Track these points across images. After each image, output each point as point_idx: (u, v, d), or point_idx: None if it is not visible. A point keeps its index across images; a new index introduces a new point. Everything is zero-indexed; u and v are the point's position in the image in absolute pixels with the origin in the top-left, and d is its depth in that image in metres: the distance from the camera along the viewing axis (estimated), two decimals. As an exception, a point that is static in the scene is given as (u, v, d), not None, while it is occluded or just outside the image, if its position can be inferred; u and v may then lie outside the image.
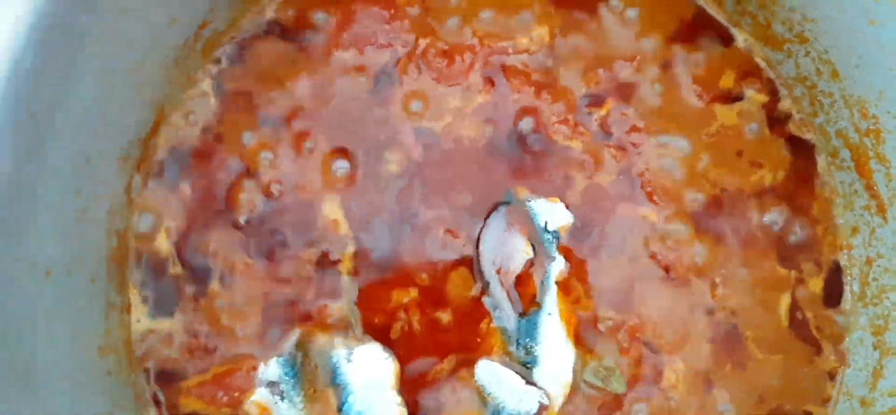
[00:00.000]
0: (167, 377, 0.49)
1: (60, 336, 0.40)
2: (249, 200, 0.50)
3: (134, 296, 0.49)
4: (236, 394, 0.49)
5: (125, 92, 0.43)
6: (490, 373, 0.50)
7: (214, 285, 0.50)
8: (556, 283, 0.51)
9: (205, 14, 0.47)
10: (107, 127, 0.42)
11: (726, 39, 0.54)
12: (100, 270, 0.45)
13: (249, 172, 0.51)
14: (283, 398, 0.49)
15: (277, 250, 0.50)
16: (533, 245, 0.51)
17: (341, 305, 0.50)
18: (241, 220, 0.50)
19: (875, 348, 0.52)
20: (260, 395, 0.49)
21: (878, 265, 0.52)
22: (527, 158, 0.52)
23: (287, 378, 0.49)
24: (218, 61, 0.50)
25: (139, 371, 0.48)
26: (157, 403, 0.49)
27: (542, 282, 0.51)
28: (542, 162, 0.52)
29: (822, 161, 0.54)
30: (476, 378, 0.50)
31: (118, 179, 0.46)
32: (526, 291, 0.51)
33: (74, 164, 0.39)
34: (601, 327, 0.52)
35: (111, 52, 0.39)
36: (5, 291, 0.35)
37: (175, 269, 0.50)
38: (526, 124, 0.52)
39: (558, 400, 0.50)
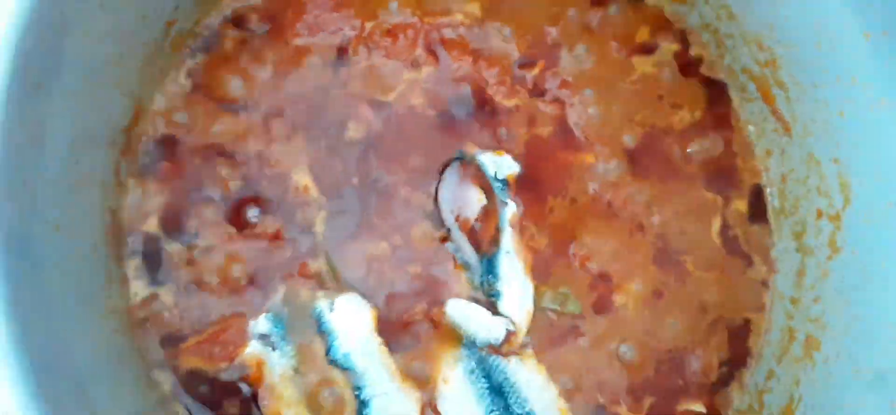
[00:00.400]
0: (167, 341, 0.54)
1: (71, 291, 0.46)
2: (225, 177, 0.56)
3: (130, 270, 0.54)
4: (231, 348, 0.54)
5: (107, 81, 0.49)
6: (460, 309, 0.56)
7: (202, 255, 0.55)
8: (511, 225, 0.58)
9: (171, 12, 0.53)
10: (94, 111, 0.48)
11: (637, -1, 0.62)
12: (99, 240, 0.51)
13: (223, 154, 0.57)
14: (274, 349, 0.54)
15: (256, 219, 0.56)
16: (486, 193, 0.58)
17: (319, 262, 0.56)
18: (220, 195, 0.56)
19: (797, 252, 0.59)
20: (253, 347, 0.54)
21: (791, 179, 0.59)
22: (472, 118, 0.59)
23: (277, 330, 0.55)
24: (187, 57, 0.57)
25: (141, 336, 0.54)
26: (161, 365, 0.54)
27: (498, 225, 0.58)
28: (487, 121, 0.59)
29: (733, 96, 0.62)
30: (447, 315, 0.56)
31: (108, 161, 0.52)
32: (484, 234, 0.58)
33: (72, 135, 0.45)
34: (554, 260, 0.58)
35: (93, 41, 0.45)
36: (24, 240, 0.41)
37: (164, 244, 0.55)
38: (468, 90, 0.59)
39: (523, 326, 0.56)
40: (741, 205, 0.61)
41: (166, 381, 0.54)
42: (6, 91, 0.38)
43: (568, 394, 0.57)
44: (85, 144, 0.47)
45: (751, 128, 0.61)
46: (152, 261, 0.55)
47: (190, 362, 0.54)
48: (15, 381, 0.38)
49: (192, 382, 0.54)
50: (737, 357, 0.60)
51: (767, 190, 0.61)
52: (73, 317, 0.45)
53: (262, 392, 0.54)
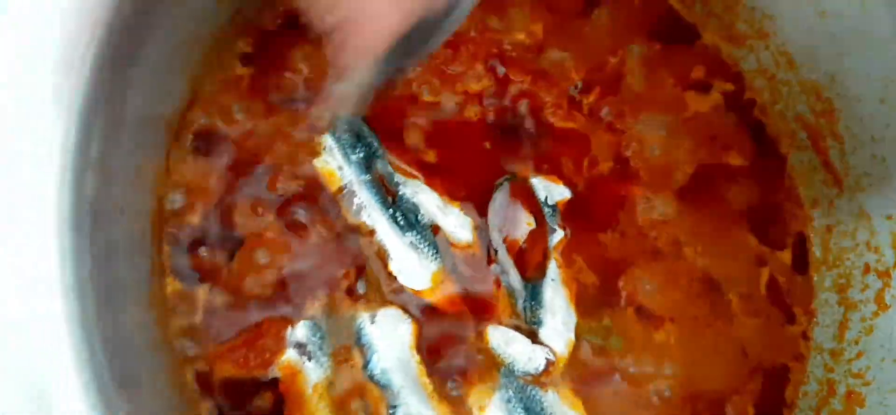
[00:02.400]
0: (200, 340, 0.54)
1: (129, 276, 0.46)
2: (275, 175, 0.57)
3: (167, 261, 0.54)
4: (267, 355, 0.54)
5: (178, 63, 0.49)
6: (501, 336, 0.57)
7: (243, 254, 0.55)
8: (558, 252, 0.59)
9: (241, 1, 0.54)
10: (162, 92, 0.48)
11: (695, 37, 0.64)
12: (147, 227, 0.51)
13: (273, 150, 0.57)
14: (310, 359, 0.55)
15: (303, 221, 0.57)
16: (536, 218, 0.59)
17: (366, 271, 0.57)
18: (268, 193, 0.56)
19: (840, 305, 0.61)
20: (289, 355, 0.54)
21: (838, 231, 0.61)
22: (526, 139, 0.60)
23: (314, 339, 0.55)
24: (246, 47, 0.57)
25: (175, 335, 0.54)
26: (193, 365, 0.54)
27: (545, 251, 0.59)
28: (540, 143, 0.60)
29: (783, 142, 0.64)
30: (488, 341, 0.57)
31: (162, 146, 0.52)
32: (531, 260, 0.59)
33: (141, 117, 0.45)
34: (599, 292, 0.59)
35: (176, 18, 0.45)
36: (97, 220, 0.41)
37: (205, 238, 0.55)
38: (524, 109, 0.60)
39: (564, 357, 0.57)
40: (785, 252, 0.63)
41: (195, 382, 0.54)
42: (96, 59, 0.38)
43: (603, 431, 0.58)
44: (149, 127, 0.47)
45: (798, 176, 0.63)
46: (191, 255, 0.55)
47: (223, 366, 0.54)
48: (81, 367, 0.38)
49: (222, 386, 0.54)
50: (772, 407, 0.61)
51: (811, 239, 0.63)
52: (130, 303, 0.45)
53: (292, 402, 0.54)
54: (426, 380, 0.56)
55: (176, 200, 0.55)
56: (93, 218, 0.39)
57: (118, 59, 0.40)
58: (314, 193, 0.57)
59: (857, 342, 0.59)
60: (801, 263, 0.63)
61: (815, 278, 0.62)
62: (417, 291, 0.57)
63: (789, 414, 0.61)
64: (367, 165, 0.57)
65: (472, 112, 0.60)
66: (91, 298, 0.39)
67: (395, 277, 0.57)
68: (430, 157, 0.59)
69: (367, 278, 0.57)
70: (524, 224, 0.59)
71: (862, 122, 0.58)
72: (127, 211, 0.45)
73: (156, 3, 0.42)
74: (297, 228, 0.57)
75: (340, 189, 0.57)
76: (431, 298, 0.57)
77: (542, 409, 0.57)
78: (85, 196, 0.39)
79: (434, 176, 0.58)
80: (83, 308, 0.38)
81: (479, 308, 0.58)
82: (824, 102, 0.60)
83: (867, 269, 0.59)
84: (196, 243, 0.55)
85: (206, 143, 0.56)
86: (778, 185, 0.63)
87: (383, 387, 0.55)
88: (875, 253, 0.58)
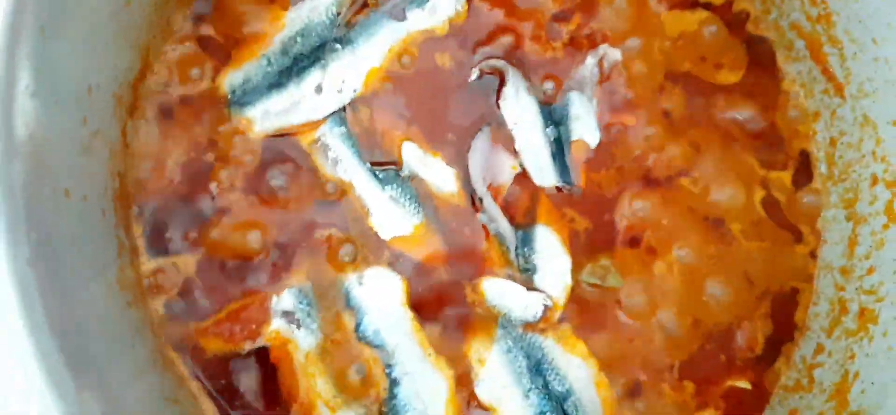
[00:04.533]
0: (182, 317, 0.54)
1: (84, 264, 0.45)
2: (242, 138, 0.56)
3: (138, 239, 0.53)
4: (253, 326, 0.54)
5: (113, 30, 0.47)
6: (495, 287, 0.56)
7: (218, 225, 0.55)
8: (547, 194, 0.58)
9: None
10: (101, 61, 0.46)
11: (677, -51, 0.62)
12: (108, 206, 0.49)
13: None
14: (299, 327, 0.54)
15: (277, 185, 0.56)
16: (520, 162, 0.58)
17: (347, 232, 0.56)
18: (238, 158, 0.55)
19: (848, 220, 0.59)
20: (277, 325, 0.54)
21: (842, 143, 0.60)
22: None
23: (301, 307, 0.54)
24: (197, 3, 0.56)
25: (155, 316, 0.53)
26: (176, 343, 0.53)
27: (534, 195, 0.58)
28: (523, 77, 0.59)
29: (780, 54, 0.62)
30: (483, 294, 0.56)
31: (115, 120, 0.51)
32: (519, 205, 0.58)
33: (79, 90, 0.44)
34: (595, 232, 0.58)
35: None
36: (35, 207, 0.40)
37: (176, 211, 0.55)
38: (502, 43, 0.59)
39: (561, 301, 0.57)
40: (787, 170, 0.61)
41: (182, 360, 0.53)
42: (10, 31, 0.37)
43: (608, 371, 0.57)
44: (92, 100, 0.45)
45: (798, 89, 0.62)
46: (163, 231, 0.54)
47: (208, 341, 0.53)
48: (33, 366, 0.37)
49: (210, 362, 0.54)
50: (783, 331, 0.60)
51: (814, 154, 0.62)
52: (87, 291, 0.44)
53: (285, 371, 0.54)
54: (422, 336, 0.56)
55: (140, 175, 0.54)
56: (21, 205, 0.38)
57: (29, 33, 0.38)
58: (287, 153, 0.56)
59: (867, 257, 0.58)
60: (805, 179, 0.61)
61: (822, 195, 0.61)
62: (402, 240, 0.56)
63: (801, 337, 0.60)
64: (340, 115, 0.56)
65: (445, 55, 0.58)
66: (34, 288, 0.38)
67: (379, 235, 0.56)
68: (405, 107, 0.57)
69: (351, 239, 0.56)
70: (508, 169, 0.57)
71: (862, 23, 0.56)
72: (75, 193, 0.44)
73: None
74: (272, 192, 0.56)
75: (314, 141, 0.56)
76: (418, 255, 0.56)
77: (542, 355, 0.56)
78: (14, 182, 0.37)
79: (412, 126, 0.57)
80: (25, 299, 0.36)
81: (468, 260, 0.57)
82: (820, 6, 0.58)
83: (875, 180, 0.57)
84: (168, 218, 0.54)
85: (166, 111, 0.55)
86: (775, 100, 0.62)
87: (377, 348, 0.55)
88: (882, 162, 0.56)
